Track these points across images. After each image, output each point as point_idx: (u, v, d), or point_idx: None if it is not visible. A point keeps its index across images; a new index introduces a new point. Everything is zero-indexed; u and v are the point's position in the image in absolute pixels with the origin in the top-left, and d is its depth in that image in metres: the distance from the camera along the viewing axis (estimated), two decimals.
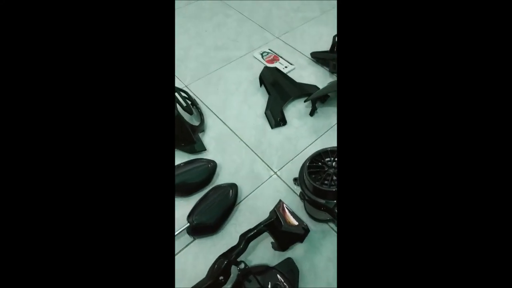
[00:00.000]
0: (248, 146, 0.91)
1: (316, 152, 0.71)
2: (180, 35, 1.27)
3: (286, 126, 0.96)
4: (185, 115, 0.93)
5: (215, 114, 0.99)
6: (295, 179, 0.80)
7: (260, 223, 0.68)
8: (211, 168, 0.82)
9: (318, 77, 1.11)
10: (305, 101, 1.00)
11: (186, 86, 1.08)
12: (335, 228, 0.74)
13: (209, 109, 1.01)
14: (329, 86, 1.00)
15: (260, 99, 1.04)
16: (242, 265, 0.64)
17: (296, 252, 0.71)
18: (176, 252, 0.71)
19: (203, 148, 0.89)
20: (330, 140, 0.92)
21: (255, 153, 0.89)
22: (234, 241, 0.67)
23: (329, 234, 0.74)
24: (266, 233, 0.69)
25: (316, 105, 0.99)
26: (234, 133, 0.94)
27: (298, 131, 0.94)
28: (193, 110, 0.96)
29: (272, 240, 0.69)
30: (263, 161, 0.88)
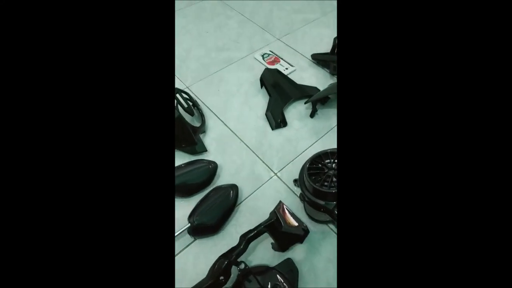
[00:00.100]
0: (249, 147, 0.92)
1: (316, 153, 0.72)
2: (181, 36, 1.28)
3: (286, 127, 0.96)
4: (186, 116, 0.93)
5: (216, 115, 1.00)
6: (295, 181, 0.80)
7: (260, 224, 0.69)
8: (212, 169, 0.83)
9: (319, 79, 1.11)
10: (305, 103, 1.00)
11: (187, 87, 1.09)
12: (335, 229, 0.75)
13: (210, 110, 1.01)
14: (330, 88, 1.01)
15: (261, 100, 1.04)
16: (242, 265, 0.64)
17: (296, 253, 0.71)
18: (177, 252, 0.72)
19: (204, 149, 0.89)
20: (330, 142, 0.92)
21: (256, 154, 0.90)
22: (235, 242, 0.67)
23: (328, 235, 0.74)
24: (266, 234, 0.69)
25: (317, 106, 0.99)
26: (235, 134, 0.95)
27: (299, 133, 0.95)
28: (194, 111, 0.96)
29: (272, 241, 0.70)
30: (263, 162, 0.88)
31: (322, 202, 0.66)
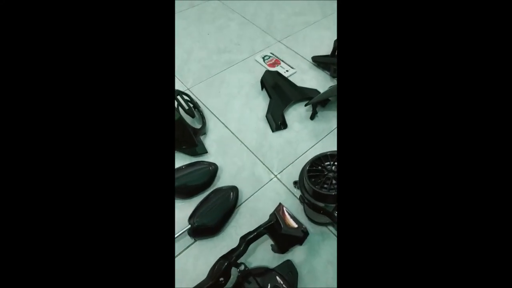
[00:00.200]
0: (249, 149, 0.92)
1: (316, 156, 0.72)
2: (183, 38, 1.28)
3: (286, 129, 0.97)
4: (187, 118, 0.94)
5: (217, 117, 1.00)
6: (295, 182, 0.81)
7: (260, 225, 0.69)
8: (212, 170, 0.83)
9: (319, 81, 1.12)
10: (305, 105, 1.01)
11: (188, 89, 1.09)
12: (334, 231, 0.75)
13: (211, 112, 1.02)
14: (330, 90, 1.01)
15: (261, 102, 1.05)
16: (242, 267, 0.65)
17: (296, 254, 0.72)
18: (177, 253, 0.72)
19: (204, 151, 0.90)
20: (330, 144, 0.93)
21: (256, 156, 0.90)
22: (235, 243, 0.68)
23: (328, 237, 0.74)
24: (266, 236, 0.69)
25: (317, 109, 1.00)
26: (236, 136, 0.95)
27: (299, 135, 0.95)
28: (195, 113, 0.97)
29: (272, 243, 0.70)
30: (263, 164, 0.89)
31: (321, 204, 0.66)
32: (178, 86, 1.10)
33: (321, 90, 1.06)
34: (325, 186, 0.67)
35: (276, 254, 0.70)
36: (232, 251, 0.66)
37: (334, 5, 1.46)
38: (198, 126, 0.94)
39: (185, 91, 1.05)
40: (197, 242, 0.74)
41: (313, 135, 0.95)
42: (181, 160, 0.87)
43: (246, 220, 0.78)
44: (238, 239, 0.68)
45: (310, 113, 1.00)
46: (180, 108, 0.93)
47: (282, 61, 1.19)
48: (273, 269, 0.66)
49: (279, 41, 1.28)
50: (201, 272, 0.66)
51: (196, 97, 1.06)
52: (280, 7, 1.45)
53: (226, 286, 0.63)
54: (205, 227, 0.73)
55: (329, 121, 0.99)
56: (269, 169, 0.88)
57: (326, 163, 0.70)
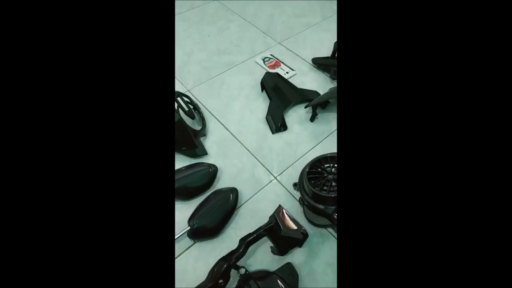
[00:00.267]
0: (249, 151, 0.92)
1: (316, 158, 0.72)
2: (183, 40, 1.29)
3: (286, 131, 0.97)
4: (187, 120, 0.94)
5: (217, 119, 1.00)
6: (294, 184, 0.81)
7: (260, 227, 0.69)
8: (212, 172, 0.83)
9: (319, 83, 1.12)
10: (305, 107, 1.01)
11: (188, 90, 1.09)
12: (334, 234, 0.75)
13: (211, 113, 1.02)
14: (330, 92, 1.01)
15: (261, 104, 1.05)
16: (243, 270, 0.65)
17: (295, 256, 0.71)
18: (176, 255, 0.72)
19: (204, 152, 0.90)
20: (330, 146, 0.93)
21: (256, 158, 0.90)
22: (234, 245, 0.68)
23: (327, 239, 0.74)
24: (265, 238, 0.69)
25: (317, 111, 1.00)
26: (236, 137, 0.95)
27: (299, 137, 0.96)
28: (195, 114, 0.97)
29: (272, 245, 0.70)
30: (263, 165, 0.89)
31: (321, 206, 0.66)
32: (178, 87, 1.10)
33: (321, 92, 1.06)
34: (325, 188, 0.67)
35: (276, 256, 0.70)
36: (232, 253, 0.66)
37: (334, 7, 1.46)
38: (198, 127, 0.94)
39: (185, 93, 1.05)
40: (197, 244, 0.74)
41: (313, 137, 0.95)
42: (181, 162, 0.88)
43: (245, 222, 0.78)
44: (238, 241, 0.68)
45: (310, 115, 1.00)
46: (180, 110, 0.93)
47: (282, 63, 1.19)
48: (274, 272, 0.66)
49: (279, 43, 1.28)
50: (201, 273, 0.66)
51: (196, 99, 1.06)
52: (280, 9, 1.45)
53: None
54: (204, 229, 0.73)
55: (329, 123, 0.99)
56: (269, 171, 0.88)
57: (326, 165, 0.70)
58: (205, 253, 0.72)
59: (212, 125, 0.99)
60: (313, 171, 0.70)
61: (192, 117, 0.95)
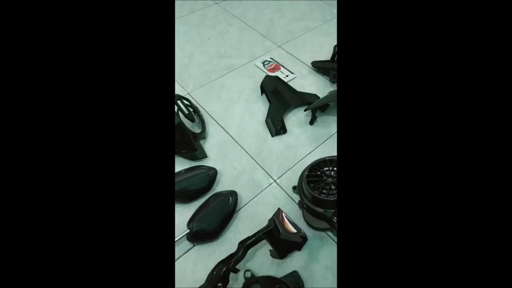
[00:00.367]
0: (249, 154, 0.92)
1: (315, 161, 0.72)
2: (184, 43, 1.29)
3: (286, 134, 0.97)
4: (187, 122, 0.94)
5: (217, 122, 1.01)
6: (294, 187, 0.81)
7: (259, 230, 0.69)
8: (211, 175, 0.83)
9: (319, 86, 1.12)
10: (305, 110, 1.01)
11: (188, 93, 1.10)
12: (333, 237, 0.75)
13: (211, 116, 1.02)
14: (330, 95, 1.02)
15: (261, 107, 1.05)
16: (249, 274, 0.64)
17: (294, 260, 0.71)
18: (176, 258, 0.72)
19: (204, 155, 0.90)
20: (330, 149, 0.93)
21: (256, 161, 0.91)
22: (233, 248, 0.68)
23: (327, 243, 0.74)
24: (264, 241, 0.69)
25: (316, 114, 1.00)
26: (235, 140, 0.96)
27: (298, 140, 0.96)
28: (195, 117, 0.97)
29: (271, 248, 0.70)
30: (263, 169, 0.89)
31: (320, 210, 0.66)
32: (178, 90, 1.11)
33: (321, 95, 1.07)
34: (324, 191, 0.67)
35: (275, 260, 0.70)
36: (231, 256, 0.66)
37: (334, 10, 1.47)
38: (198, 130, 0.95)
39: (185, 96, 1.06)
40: (196, 247, 0.74)
41: (312, 140, 0.95)
42: (181, 165, 0.88)
43: (245, 225, 0.78)
44: (237, 244, 0.68)
45: (309, 118, 1.00)
46: (180, 113, 0.93)
47: (282, 66, 1.20)
48: (280, 279, 0.66)
49: (279, 46, 1.29)
50: (200, 277, 0.66)
51: (196, 102, 1.06)
52: (280, 12, 1.46)
53: None
54: (204, 232, 0.73)
55: (329, 126, 0.99)
56: (268, 174, 0.88)
57: (325, 168, 0.71)
58: (204, 256, 0.72)
59: (212, 128, 0.99)
60: (313, 174, 0.70)
61: (192, 120, 0.95)
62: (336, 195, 0.65)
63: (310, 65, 1.19)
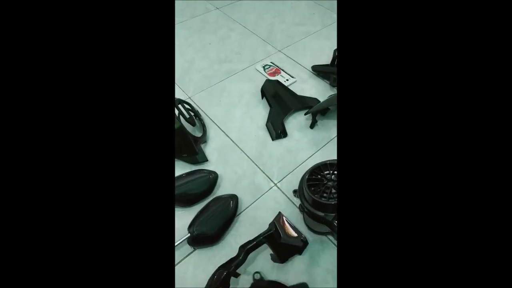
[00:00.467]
0: (249, 158, 0.92)
1: (316, 165, 0.72)
2: (184, 48, 1.30)
3: (286, 138, 0.97)
4: (188, 126, 0.94)
5: (218, 126, 1.01)
6: (294, 191, 0.81)
7: (260, 234, 0.69)
8: (212, 179, 0.83)
9: (319, 90, 1.13)
10: (305, 114, 1.01)
11: (189, 97, 1.10)
12: (334, 241, 0.75)
13: (212, 120, 1.03)
14: (330, 99, 1.02)
15: (261, 111, 1.05)
16: (258, 276, 0.64)
17: (295, 264, 0.71)
18: (176, 262, 0.72)
19: (205, 159, 0.90)
20: (330, 153, 0.93)
21: (256, 165, 0.91)
22: (234, 252, 0.67)
23: (327, 247, 0.74)
24: (265, 245, 0.69)
25: (317, 118, 1.00)
26: (236, 144, 0.96)
27: (299, 143, 0.96)
28: (196, 121, 0.97)
29: (271, 252, 0.70)
30: (263, 172, 0.89)
31: (321, 214, 0.66)
32: (179, 95, 1.11)
33: (321, 99, 1.07)
34: (325, 195, 0.67)
35: (276, 264, 0.70)
36: (232, 260, 0.66)
37: (334, 15, 1.48)
38: (198, 134, 0.95)
39: (186, 100, 1.06)
40: (196, 251, 0.74)
41: (312, 144, 0.96)
42: (181, 168, 0.88)
43: (245, 229, 0.77)
44: (238, 248, 0.68)
45: (310, 122, 1.01)
46: (181, 117, 0.94)
47: (282, 70, 1.20)
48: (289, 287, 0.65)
49: (279, 51, 1.30)
50: (200, 281, 0.66)
51: (197, 106, 1.07)
52: (280, 17, 1.47)
53: None
54: (204, 236, 0.73)
55: (329, 130, 0.99)
56: (269, 177, 0.88)
57: (326, 172, 0.71)
58: (205, 260, 0.72)
59: (212, 132, 0.99)
60: (313, 178, 0.70)
61: (193, 124, 0.96)
62: (336, 199, 0.65)
63: (310, 69, 1.20)
